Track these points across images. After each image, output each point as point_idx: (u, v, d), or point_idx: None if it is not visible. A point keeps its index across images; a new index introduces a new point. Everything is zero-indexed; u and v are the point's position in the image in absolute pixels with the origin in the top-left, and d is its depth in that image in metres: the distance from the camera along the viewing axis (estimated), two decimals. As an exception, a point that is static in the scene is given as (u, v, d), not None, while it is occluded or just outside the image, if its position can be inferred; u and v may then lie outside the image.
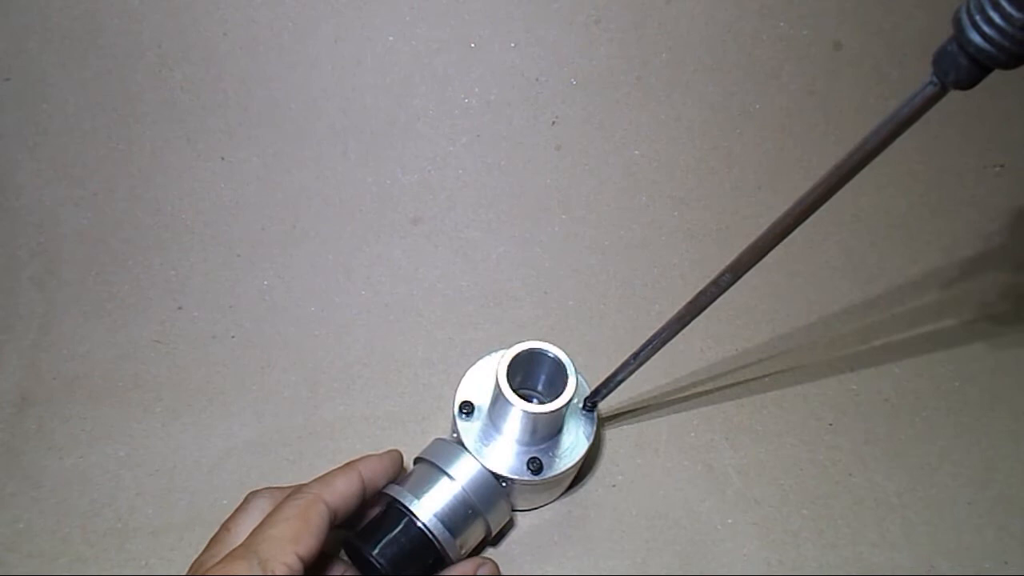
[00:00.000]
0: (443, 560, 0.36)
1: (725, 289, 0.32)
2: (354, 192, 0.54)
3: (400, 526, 0.35)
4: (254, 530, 0.34)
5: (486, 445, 0.38)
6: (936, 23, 0.56)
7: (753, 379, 0.50)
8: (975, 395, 0.50)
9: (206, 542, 0.35)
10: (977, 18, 0.20)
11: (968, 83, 0.22)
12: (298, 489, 0.36)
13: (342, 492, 0.36)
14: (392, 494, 0.36)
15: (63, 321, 0.50)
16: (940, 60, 0.22)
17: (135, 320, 0.50)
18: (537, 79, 0.54)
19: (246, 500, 0.38)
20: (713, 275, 0.32)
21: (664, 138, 0.56)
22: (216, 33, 0.51)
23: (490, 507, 0.37)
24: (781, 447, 0.47)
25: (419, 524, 0.35)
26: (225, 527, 0.36)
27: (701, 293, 0.33)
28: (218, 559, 0.34)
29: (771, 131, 0.57)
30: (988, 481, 0.46)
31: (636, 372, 0.37)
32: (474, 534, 0.37)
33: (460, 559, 0.37)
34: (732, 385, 0.50)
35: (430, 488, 0.36)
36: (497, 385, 0.36)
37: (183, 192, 0.52)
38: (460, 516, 0.36)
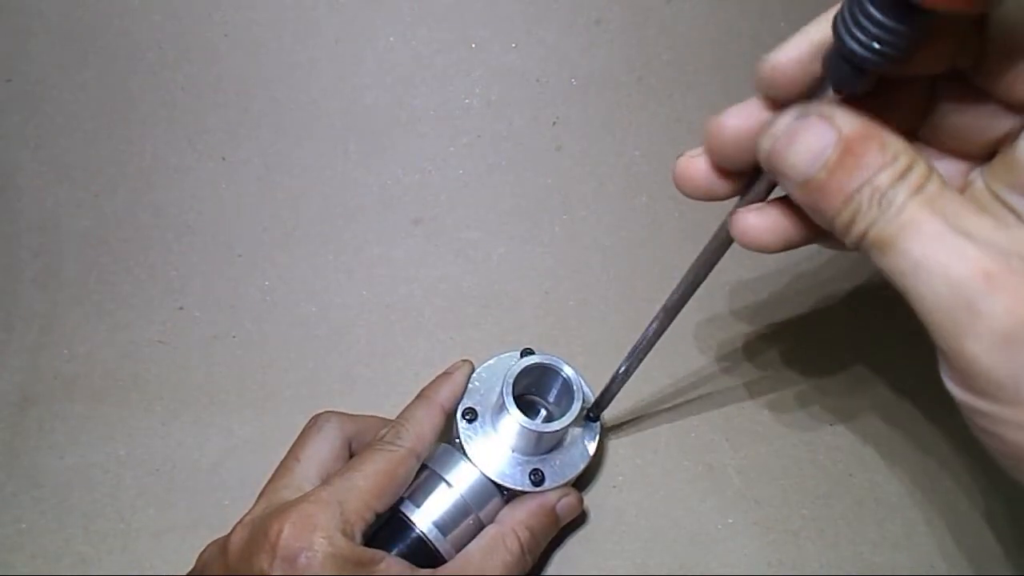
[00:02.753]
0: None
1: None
2: (355, 192, 0.54)
3: (397, 533, 0.35)
4: (341, 472, 0.33)
5: (487, 453, 0.37)
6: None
7: (754, 379, 0.50)
8: (975, 395, 0.50)
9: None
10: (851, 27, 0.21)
11: (857, 89, 0.22)
12: (391, 431, 0.35)
13: (431, 441, 0.36)
14: None
15: (64, 321, 0.50)
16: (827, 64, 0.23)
17: (136, 320, 0.50)
18: (538, 80, 0.54)
19: (313, 424, 0.37)
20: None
21: (665, 138, 0.56)
22: (217, 33, 0.51)
23: (490, 515, 0.37)
24: (781, 447, 0.47)
25: (416, 531, 0.35)
26: (293, 455, 0.36)
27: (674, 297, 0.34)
28: (292, 491, 0.33)
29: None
30: (988, 481, 0.46)
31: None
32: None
33: None
34: (732, 385, 0.50)
35: (429, 495, 0.36)
36: (502, 396, 0.36)
37: (184, 192, 0.52)
38: (459, 523, 0.36)
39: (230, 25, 0.51)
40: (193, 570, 0.35)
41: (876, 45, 0.21)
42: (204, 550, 0.35)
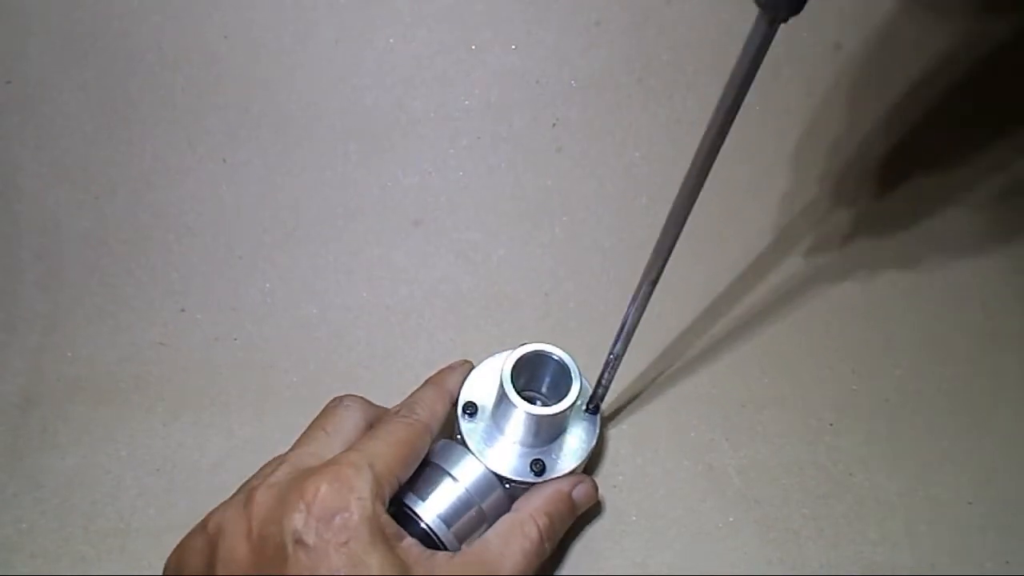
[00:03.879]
0: None
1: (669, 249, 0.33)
2: (355, 194, 0.54)
3: (402, 526, 0.35)
4: (365, 438, 0.33)
5: (489, 446, 0.38)
6: (937, 24, 0.56)
7: (754, 379, 0.50)
8: (975, 395, 0.50)
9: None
10: None
11: (789, 9, 0.23)
12: (404, 407, 0.36)
13: (441, 420, 0.36)
14: (397, 494, 0.36)
15: (66, 323, 0.50)
16: None
17: (138, 322, 0.50)
18: (538, 81, 0.54)
19: (338, 403, 0.37)
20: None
21: (665, 140, 0.56)
22: (217, 35, 0.51)
23: (493, 507, 0.37)
24: (781, 447, 0.47)
25: (423, 525, 0.35)
26: (321, 427, 0.35)
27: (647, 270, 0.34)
28: (316, 460, 0.32)
29: (771, 132, 0.57)
30: (989, 481, 0.47)
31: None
32: (478, 534, 0.38)
33: None
34: (733, 385, 0.50)
35: (434, 489, 0.36)
36: (501, 386, 0.36)
37: (185, 194, 0.52)
38: (463, 516, 0.36)
39: (230, 26, 0.51)
40: (203, 531, 0.32)
41: None
42: (213, 512, 0.32)
